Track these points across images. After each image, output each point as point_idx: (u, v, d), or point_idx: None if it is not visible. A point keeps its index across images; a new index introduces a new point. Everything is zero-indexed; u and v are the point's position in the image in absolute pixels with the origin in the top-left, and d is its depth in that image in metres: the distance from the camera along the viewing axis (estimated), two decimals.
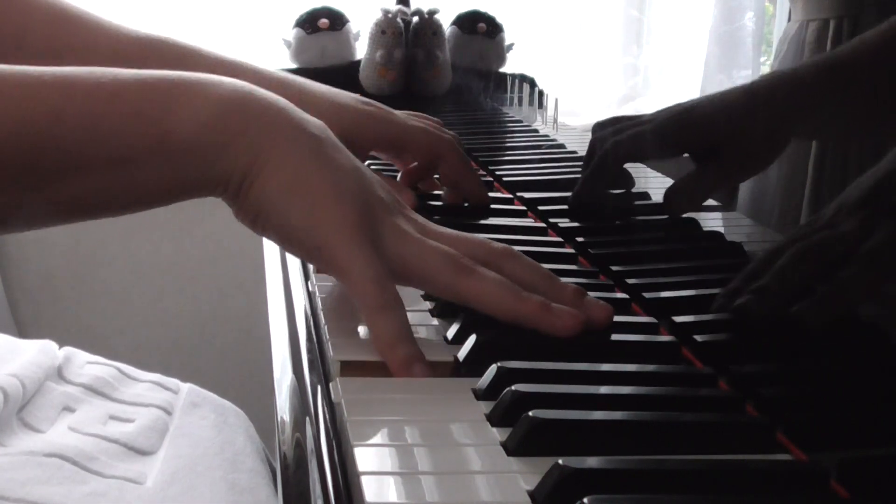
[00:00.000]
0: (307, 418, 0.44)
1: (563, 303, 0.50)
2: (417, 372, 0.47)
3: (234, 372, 1.53)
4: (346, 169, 0.51)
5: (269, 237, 0.52)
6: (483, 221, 0.71)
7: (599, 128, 0.78)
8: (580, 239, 0.67)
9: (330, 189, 0.50)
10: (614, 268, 0.60)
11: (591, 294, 0.57)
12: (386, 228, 0.51)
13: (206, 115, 0.49)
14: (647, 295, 0.57)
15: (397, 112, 0.75)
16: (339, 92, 0.74)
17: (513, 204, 0.78)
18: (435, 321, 0.54)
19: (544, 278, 0.52)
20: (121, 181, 0.49)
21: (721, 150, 0.71)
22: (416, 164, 0.76)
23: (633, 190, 0.83)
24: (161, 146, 0.49)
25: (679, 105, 0.74)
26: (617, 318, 0.54)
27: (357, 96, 0.75)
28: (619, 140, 0.74)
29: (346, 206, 0.50)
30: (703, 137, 0.72)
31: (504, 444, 0.40)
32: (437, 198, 0.76)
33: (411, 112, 0.76)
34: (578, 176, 0.85)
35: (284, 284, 0.62)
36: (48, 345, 0.83)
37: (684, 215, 0.73)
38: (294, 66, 1.29)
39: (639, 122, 0.75)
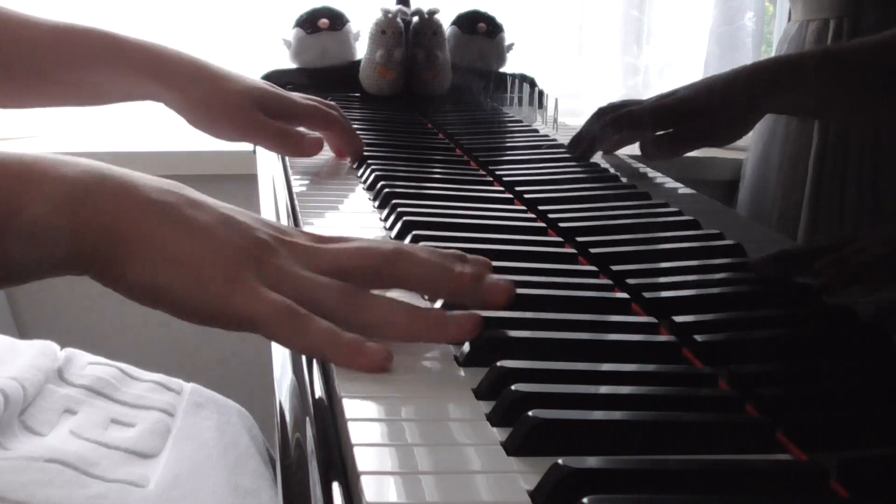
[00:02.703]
0: (307, 418, 0.44)
1: (463, 292, 0.51)
2: (371, 351, 0.46)
3: (235, 372, 1.53)
4: (212, 225, 0.51)
5: (165, 312, 0.51)
6: (483, 222, 0.71)
7: (601, 109, 0.98)
8: (580, 239, 0.67)
9: (205, 251, 0.49)
10: (614, 268, 0.60)
11: (591, 294, 0.57)
12: (271, 271, 0.50)
13: (57, 198, 0.49)
14: (647, 295, 0.57)
15: (293, 94, 0.93)
16: (251, 78, 0.91)
17: (513, 204, 0.78)
18: None
19: (441, 271, 0.52)
20: None
21: (695, 119, 0.89)
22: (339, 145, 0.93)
23: (636, 190, 0.83)
24: (9, 226, 0.48)
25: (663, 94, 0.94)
26: (617, 318, 0.54)
27: (265, 82, 0.92)
28: (618, 114, 0.95)
29: (224, 262, 0.49)
30: (684, 108, 0.90)
31: (504, 444, 0.40)
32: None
33: (301, 96, 0.94)
34: (578, 176, 0.87)
35: None
36: (48, 346, 0.82)
37: (685, 216, 0.74)
38: (294, 65, 1.29)
39: (634, 102, 0.97)
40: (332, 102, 0.95)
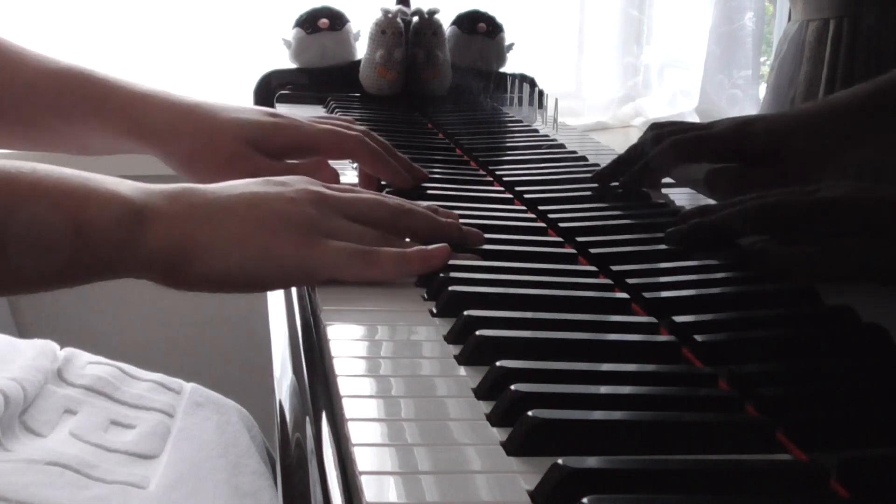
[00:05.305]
0: (307, 418, 0.44)
1: (452, 239, 0.61)
2: (435, 254, 0.58)
3: (235, 372, 1.53)
4: (257, 203, 0.57)
5: (235, 291, 0.58)
6: (483, 221, 0.71)
7: (657, 127, 0.80)
8: (580, 239, 0.67)
9: (265, 228, 0.56)
10: (614, 268, 0.60)
11: (591, 294, 0.58)
12: (324, 227, 0.57)
13: (118, 212, 0.54)
14: (647, 295, 0.57)
15: (304, 119, 0.80)
16: (246, 108, 0.79)
17: (513, 204, 0.78)
18: (437, 321, 0.54)
19: (437, 224, 0.62)
20: (38, 264, 0.54)
21: (774, 161, 0.73)
22: (367, 173, 0.81)
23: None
24: (78, 237, 0.54)
25: (741, 117, 0.81)
26: (617, 318, 0.54)
27: (265, 109, 0.80)
28: (681, 138, 0.77)
29: (290, 231, 0.56)
30: (762, 147, 0.74)
31: (504, 444, 0.40)
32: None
33: (321, 116, 0.83)
34: (578, 176, 0.86)
35: None
36: (48, 345, 0.82)
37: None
38: (294, 66, 1.29)
39: (700, 126, 0.79)
40: (361, 127, 0.81)
